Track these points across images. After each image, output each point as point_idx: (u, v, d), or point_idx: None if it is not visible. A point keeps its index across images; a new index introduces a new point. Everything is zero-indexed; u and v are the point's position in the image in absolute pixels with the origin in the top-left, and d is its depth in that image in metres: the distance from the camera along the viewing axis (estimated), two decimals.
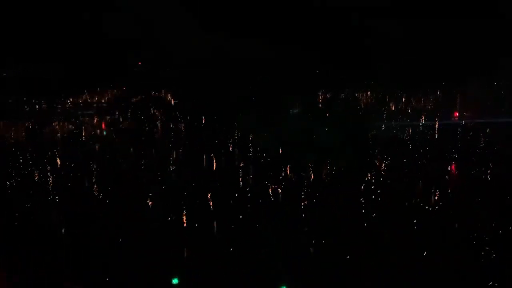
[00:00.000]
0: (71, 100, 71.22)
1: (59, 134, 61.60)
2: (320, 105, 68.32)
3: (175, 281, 24.39)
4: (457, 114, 67.67)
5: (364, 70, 67.49)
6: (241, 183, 40.46)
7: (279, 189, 38.23)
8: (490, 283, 24.00)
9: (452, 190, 37.79)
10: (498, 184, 38.79)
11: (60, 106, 70.13)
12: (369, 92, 74.06)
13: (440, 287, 24.10)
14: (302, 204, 35.43)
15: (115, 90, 75.00)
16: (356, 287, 24.47)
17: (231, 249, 27.67)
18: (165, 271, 25.10)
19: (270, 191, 38.13)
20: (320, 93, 70.69)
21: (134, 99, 74.61)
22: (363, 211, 33.65)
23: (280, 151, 48.63)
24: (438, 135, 57.67)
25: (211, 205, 35.11)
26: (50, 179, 42.82)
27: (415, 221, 31.66)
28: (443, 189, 37.51)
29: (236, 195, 37.32)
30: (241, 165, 45.10)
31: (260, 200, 36.20)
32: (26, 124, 64.44)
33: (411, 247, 27.69)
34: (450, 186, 38.72)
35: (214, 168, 44.46)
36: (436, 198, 36.06)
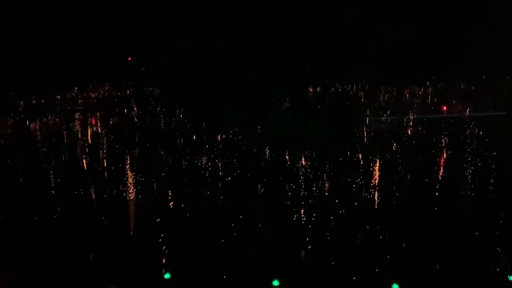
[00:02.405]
0: (59, 96, 70.59)
1: (47, 130, 61.09)
2: (311, 100, 68.49)
3: (167, 275, 24.28)
4: (445, 108, 68.38)
5: (354, 65, 67.59)
6: (234, 179, 40.36)
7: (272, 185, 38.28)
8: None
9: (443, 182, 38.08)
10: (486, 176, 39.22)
11: (47, 102, 69.47)
12: (358, 87, 74.38)
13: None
14: (294, 199, 35.47)
15: (104, 86, 74.51)
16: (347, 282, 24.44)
17: (225, 245, 27.57)
18: (157, 266, 24.94)
19: (263, 186, 38.22)
20: (310, 88, 70.85)
21: (123, 95, 74.17)
22: (357, 206, 33.78)
23: (272, 147, 48.67)
24: (427, 128, 58.15)
25: (203, 201, 34.93)
26: (39, 175, 42.44)
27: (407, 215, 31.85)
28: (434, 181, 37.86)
29: (229, 190, 37.24)
30: (232, 161, 45.11)
31: (254, 196, 36.16)
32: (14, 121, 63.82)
33: (405, 242, 27.75)
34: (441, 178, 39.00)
35: (206, 164, 44.27)
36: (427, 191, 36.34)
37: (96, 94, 74.40)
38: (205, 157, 47.21)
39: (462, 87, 69.57)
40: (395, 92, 72.79)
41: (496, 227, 29.23)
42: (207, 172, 42.33)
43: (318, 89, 72.11)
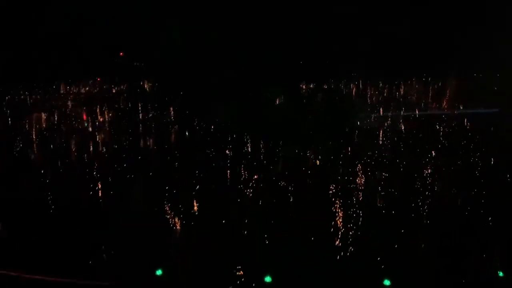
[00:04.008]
0: (49, 90, 69.84)
1: (36, 126, 60.41)
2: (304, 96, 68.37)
3: (158, 272, 24.15)
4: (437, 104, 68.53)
5: (346, 61, 67.47)
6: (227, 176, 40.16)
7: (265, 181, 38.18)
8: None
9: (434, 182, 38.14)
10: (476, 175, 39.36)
11: (37, 96, 68.74)
12: (349, 84, 74.32)
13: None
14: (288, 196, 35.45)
15: (95, 81, 73.90)
16: (340, 278, 24.47)
17: (216, 239, 27.50)
18: (149, 262, 24.80)
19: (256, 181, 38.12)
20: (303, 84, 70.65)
21: (115, 90, 73.61)
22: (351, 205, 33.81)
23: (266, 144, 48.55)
24: (418, 125, 58.22)
25: (196, 197, 34.74)
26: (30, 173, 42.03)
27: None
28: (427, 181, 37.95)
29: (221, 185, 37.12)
30: (227, 158, 44.94)
31: (247, 192, 36.06)
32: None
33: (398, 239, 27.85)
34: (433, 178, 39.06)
35: (198, 160, 43.98)
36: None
37: (86, 89, 73.79)
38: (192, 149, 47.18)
39: (454, 84, 69.75)
40: (386, 89, 72.87)
41: (488, 225, 29.41)
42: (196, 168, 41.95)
43: (311, 86, 72.04)
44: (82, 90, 73.00)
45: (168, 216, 31.29)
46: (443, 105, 65.79)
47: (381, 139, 52.49)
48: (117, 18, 61.10)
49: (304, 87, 71.69)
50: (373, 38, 64.24)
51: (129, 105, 69.22)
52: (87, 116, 65.79)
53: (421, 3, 63.47)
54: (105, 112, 67.28)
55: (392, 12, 62.89)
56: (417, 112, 63.34)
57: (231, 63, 63.39)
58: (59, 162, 44.31)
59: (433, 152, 45.69)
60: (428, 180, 37.83)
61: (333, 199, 34.10)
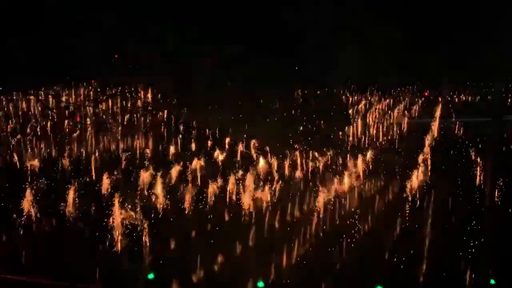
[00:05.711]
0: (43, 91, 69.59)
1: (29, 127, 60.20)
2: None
3: (150, 276, 24.06)
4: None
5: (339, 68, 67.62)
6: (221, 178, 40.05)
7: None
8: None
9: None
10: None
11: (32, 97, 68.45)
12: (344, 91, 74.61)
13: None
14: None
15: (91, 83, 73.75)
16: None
17: (210, 243, 27.50)
18: (142, 266, 24.73)
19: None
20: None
21: (109, 92, 73.46)
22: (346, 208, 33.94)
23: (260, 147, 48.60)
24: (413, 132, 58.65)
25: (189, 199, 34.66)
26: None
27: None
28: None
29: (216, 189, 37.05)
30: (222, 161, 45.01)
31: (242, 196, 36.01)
32: None
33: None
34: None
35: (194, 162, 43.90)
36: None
37: (82, 90, 73.62)
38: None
39: (449, 92, 70.50)
40: (382, 96, 73.34)
41: (479, 234, 29.55)
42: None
43: (305, 92, 72.28)
44: (75, 93, 72.86)
45: (160, 220, 31.24)
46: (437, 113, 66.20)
47: (371, 144, 53.03)
48: (115, 19, 60.89)
49: (299, 92, 71.97)
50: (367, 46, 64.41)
51: (124, 106, 69.36)
52: (81, 118, 65.79)
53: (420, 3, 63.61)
54: (100, 114, 67.35)
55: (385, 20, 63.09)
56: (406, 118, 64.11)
57: (229, 65, 63.41)
58: (48, 165, 44.24)
59: (423, 158, 46.03)
60: (421, 189, 38.00)
61: (325, 206, 34.15)
